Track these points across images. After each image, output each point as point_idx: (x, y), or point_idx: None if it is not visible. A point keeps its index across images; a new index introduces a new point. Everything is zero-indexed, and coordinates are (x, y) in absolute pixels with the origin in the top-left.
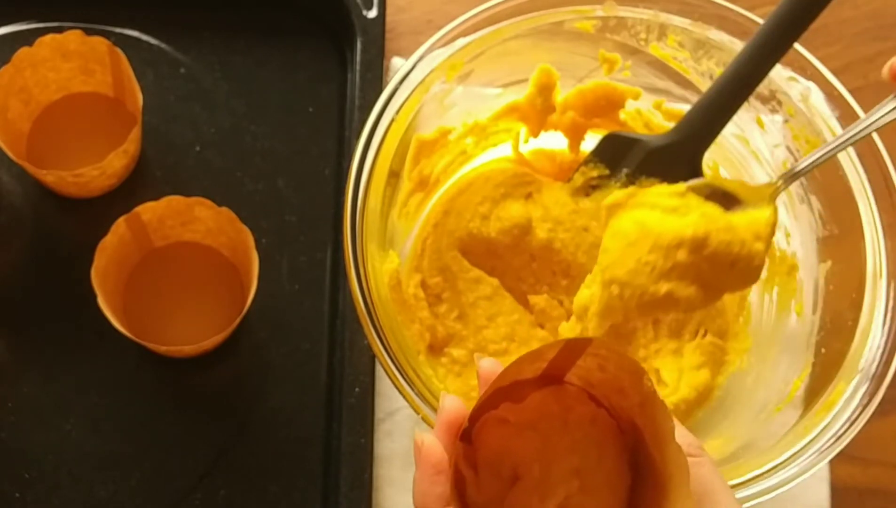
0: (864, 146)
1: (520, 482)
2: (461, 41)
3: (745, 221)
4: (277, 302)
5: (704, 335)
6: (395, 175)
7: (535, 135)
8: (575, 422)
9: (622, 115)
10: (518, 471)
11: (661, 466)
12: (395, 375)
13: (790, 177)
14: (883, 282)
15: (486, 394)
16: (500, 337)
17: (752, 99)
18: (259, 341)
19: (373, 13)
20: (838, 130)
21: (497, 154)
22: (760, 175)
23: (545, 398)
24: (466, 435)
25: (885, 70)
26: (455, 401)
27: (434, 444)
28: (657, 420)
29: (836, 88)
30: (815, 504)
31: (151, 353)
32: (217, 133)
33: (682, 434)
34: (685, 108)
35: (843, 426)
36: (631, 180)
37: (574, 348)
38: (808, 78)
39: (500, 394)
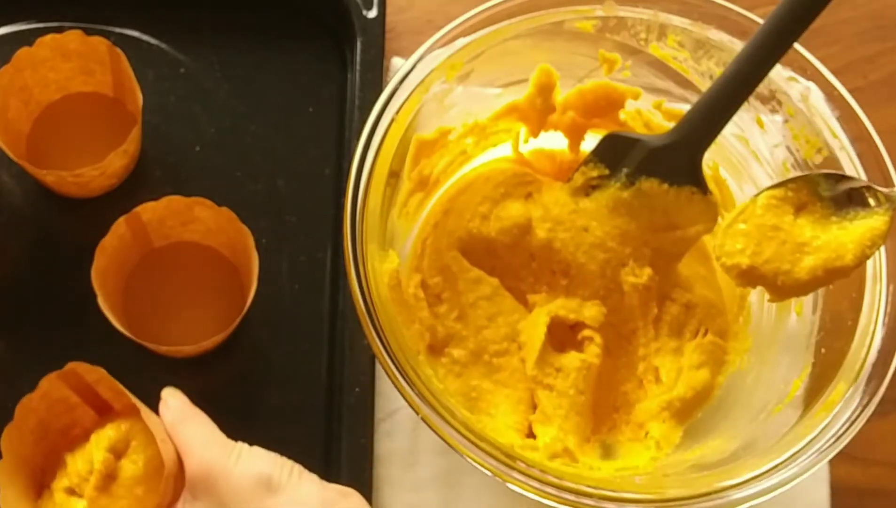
0: (864, 146)
1: None
2: (461, 41)
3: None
4: (277, 302)
5: (705, 334)
6: (395, 175)
7: (535, 135)
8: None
9: (622, 115)
10: None
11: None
12: (395, 375)
13: None
14: (883, 283)
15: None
16: (501, 337)
17: (752, 99)
18: (259, 341)
19: (373, 13)
20: (838, 130)
21: (497, 154)
22: (760, 175)
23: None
24: None
25: None
26: None
27: None
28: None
29: (835, 88)
30: (814, 504)
31: (151, 353)
32: (217, 133)
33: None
34: (685, 108)
35: (842, 426)
36: (631, 180)
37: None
38: (808, 78)
39: None
